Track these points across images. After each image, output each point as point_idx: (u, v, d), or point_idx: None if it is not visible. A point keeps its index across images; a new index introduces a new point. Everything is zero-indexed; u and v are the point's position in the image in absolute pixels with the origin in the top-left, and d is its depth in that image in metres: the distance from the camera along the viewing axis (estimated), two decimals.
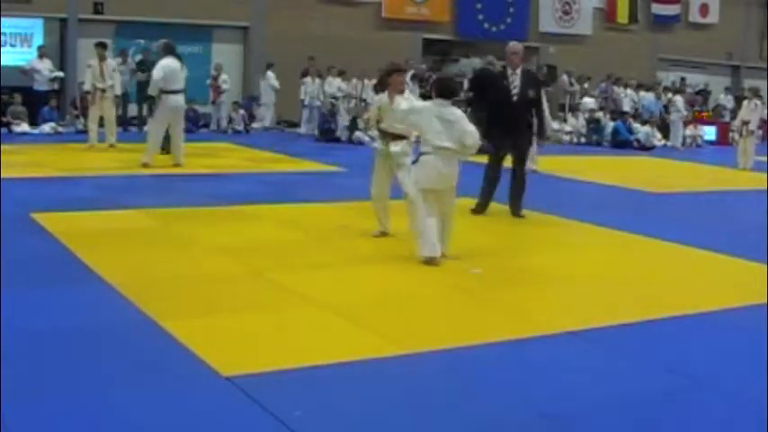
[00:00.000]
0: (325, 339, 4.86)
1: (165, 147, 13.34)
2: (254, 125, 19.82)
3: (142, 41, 18.67)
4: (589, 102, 21.69)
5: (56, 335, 4.69)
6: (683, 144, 21.11)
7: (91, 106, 14.75)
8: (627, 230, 8.55)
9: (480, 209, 9.23)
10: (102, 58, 14.55)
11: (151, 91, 12.44)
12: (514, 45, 9.27)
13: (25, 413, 3.66)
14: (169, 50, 12.50)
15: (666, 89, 24.28)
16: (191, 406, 3.84)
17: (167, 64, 12.25)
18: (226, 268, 6.43)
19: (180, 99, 12.36)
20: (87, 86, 14.76)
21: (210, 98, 19.24)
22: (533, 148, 13.89)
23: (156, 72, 12.24)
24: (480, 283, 6.30)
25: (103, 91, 14.45)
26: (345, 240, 7.41)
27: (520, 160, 9.27)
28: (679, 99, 21.27)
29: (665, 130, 21.77)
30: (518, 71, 9.06)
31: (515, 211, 9.14)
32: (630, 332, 5.19)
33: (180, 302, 5.47)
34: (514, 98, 9.00)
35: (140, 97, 17.41)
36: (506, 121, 9.00)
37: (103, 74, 14.47)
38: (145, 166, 11.94)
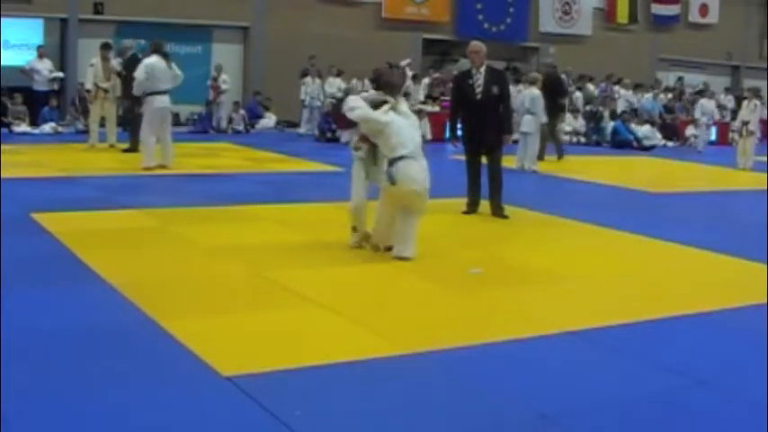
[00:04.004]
0: (326, 339, 4.86)
1: (132, 145, 13.55)
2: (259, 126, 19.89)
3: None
4: (577, 96, 21.66)
5: (56, 335, 4.69)
6: (684, 143, 21.09)
7: (91, 106, 14.78)
8: (627, 230, 8.55)
9: (469, 208, 9.25)
10: (105, 59, 14.54)
11: (136, 91, 12.18)
12: (474, 44, 9.30)
13: (26, 413, 3.66)
14: (155, 49, 12.18)
15: (668, 89, 24.27)
16: (191, 406, 3.84)
17: (151, 63, 11.92)
18: (226, 268, 6.43)
19: (166, 99, 11.99)
20: (89, 85, 14.78)
21: (210, 98, 19.25)
22: (534, 148, 14.06)
23: (139, 72, 11.92)
24: (480, 283, 6.30)
25: (105, 91, 14.47)
26: (345, 240, 7.39)
27: (491, 157, 9.26)
28: (705, 102, 20.94)
29: (665, 130, 21.76)
30: (482, 69, 9.10)
31: (496, 210, 9.11)
32: (630, 332, 5.19)
33: (180, 302, 5.47)
34: (478, 96, 9.05)
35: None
36: (472, 119, 9.14)
37: (106, 74, 14.47)
38: (147, 169, 11.66)
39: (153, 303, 5.27)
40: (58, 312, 5.11)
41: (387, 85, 7.04)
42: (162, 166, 11.85)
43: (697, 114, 20.66)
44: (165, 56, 12.14)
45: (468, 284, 6.24)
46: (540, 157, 14.78)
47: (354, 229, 7.10)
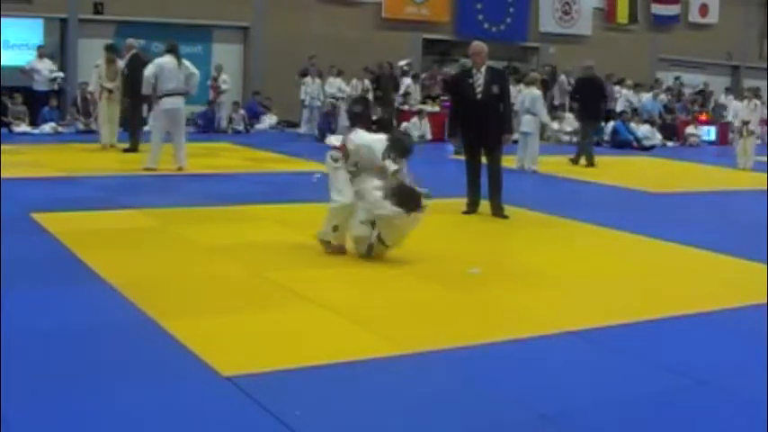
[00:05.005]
0: (326, 339, 4.86)
1: (132, 145, 13.51)
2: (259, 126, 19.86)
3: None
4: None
5: (56, 335, 4.69)
6: (684, 143, 21.04)
7: (97, 106, 14.75)
8: (627, 230, 8.55)
9: (469, 208, 9.26)
10: (110, 61, 14.51)
11: (144, 90, 12.06)
12: (476, 45, 9.32)
13: (26, 413, 3.66)
14: (168, 49, 12.07)
15: (669, 89, 24.23)
16: (191, 405, 3.84)
17: (161, 62, 11.81)
18: (226, 268, 6.43)
19: (176, 101, 11.75)
20: (92, 87, 14.76)
21: (210, 98, 19.24)
22: (534, 148, 14.05)
23: (148, 70, 11.82)
24: (480, 282, 6.30)
25: (110, 91, 14.43)
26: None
27: (491, 157, 9.27)
28: (737, 104, 20.78)
29: (665, 130, 21.74)
30: (482, 69, 9.13)
31: (495, 210, 9.11)
32: (630, 332, 5.19)
33: (180, 302, 5.47)
34: (479, 96, 9.07)
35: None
36: (472, 118, 9.15)
37: (110, 75, 14.44)
38: (147, 170, 11.59)
39: (153, 303, 5.27)
40: (58, 312, 5.11)
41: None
42: (180, 169, 11.75)
43: (730, 117, 20.48)
44: (178, 56, 11.95)
45: (467, 284, 6.24)
46: (591, 161, 15.05)
47: (335, 228, 6.98)
